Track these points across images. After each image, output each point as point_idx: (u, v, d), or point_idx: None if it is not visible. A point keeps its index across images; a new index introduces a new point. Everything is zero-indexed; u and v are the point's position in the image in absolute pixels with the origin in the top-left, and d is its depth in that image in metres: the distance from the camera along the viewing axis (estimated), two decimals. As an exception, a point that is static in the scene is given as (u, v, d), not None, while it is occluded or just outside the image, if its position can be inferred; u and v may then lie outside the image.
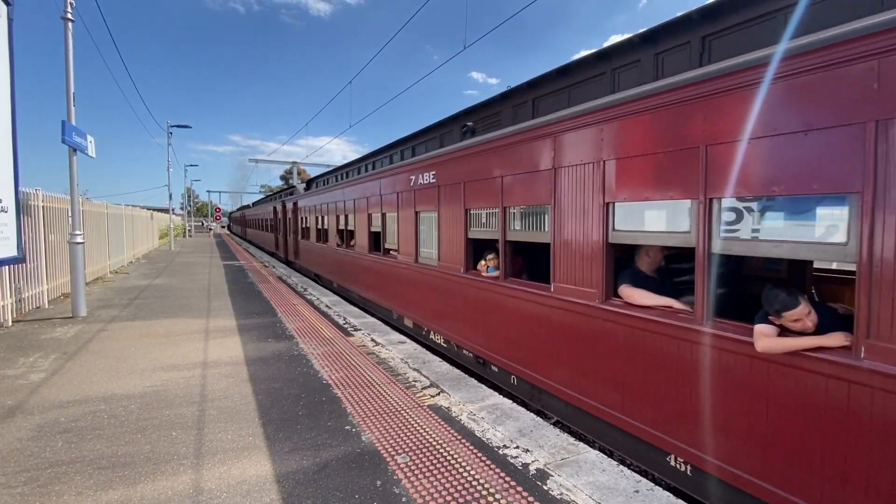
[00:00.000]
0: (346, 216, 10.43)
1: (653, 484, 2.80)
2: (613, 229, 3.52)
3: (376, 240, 8.71)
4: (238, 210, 59.83)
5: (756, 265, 4.60)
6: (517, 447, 3.27)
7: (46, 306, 8.59)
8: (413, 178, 6.65)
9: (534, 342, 4.35)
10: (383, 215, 8.10)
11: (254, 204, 43.21)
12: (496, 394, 4.31)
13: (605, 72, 5.09)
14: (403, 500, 2.64)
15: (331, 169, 15.72)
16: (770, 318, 2.56)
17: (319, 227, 13.32)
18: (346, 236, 10.67)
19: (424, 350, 5.83)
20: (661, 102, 3.05)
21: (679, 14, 4.26)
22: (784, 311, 2.49)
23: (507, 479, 2.87)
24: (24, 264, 7.49)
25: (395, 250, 7.62)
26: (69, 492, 2.71)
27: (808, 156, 2.37)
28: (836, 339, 2.34)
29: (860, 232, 2.21)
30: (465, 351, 5.65)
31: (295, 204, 17.24)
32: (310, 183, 17.97)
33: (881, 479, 2.15)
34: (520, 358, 4.58)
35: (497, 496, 2.68)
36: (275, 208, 22.44)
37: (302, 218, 16.04)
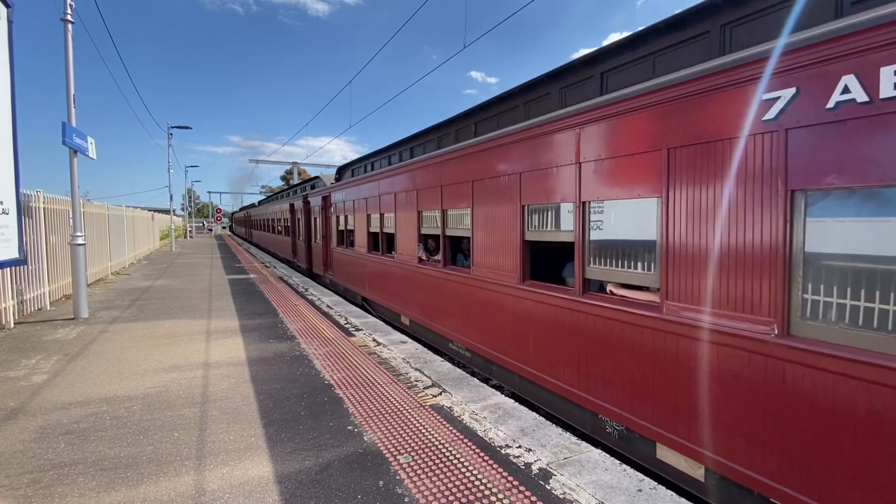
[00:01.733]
0: (444, 214, 6.13)
1: (656, 483, 2.80)
2: None
3: (543, 257, 5.03)
4: (242, 210, 55.03)
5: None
6: (519, 447, 3.26)
7: (48, 308, 8.60)
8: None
9: None
10: (583, 206, 3.87)
11: (261, 202, 37.50)
12: (498, 393, 4.30)
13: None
14: (406, 500, 2.64)
15: (374, 151, 10.81)
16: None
17: (377, 229, 8.56)
18: (449, 248, 6.31)
19: (426, 350, 5.83)
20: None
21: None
22: None
23: (510, 478, 2.86)
24: (25, 266, 7.50)
25: (653, 292, 3.42)
26: (72, 493, 2.71)
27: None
28: None
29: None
30: None
31: (326, 199, 12.49)
32: (343, 170, 12.94)
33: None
34: None
35: (500, 496, 2.68)
36: (291, 206, 17.83)
37: (339, 217, 11.30)
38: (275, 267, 16.64)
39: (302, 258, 16.11)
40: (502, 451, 3.20)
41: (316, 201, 13.75)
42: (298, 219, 16.58)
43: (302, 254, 16.11)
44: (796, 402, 2.49)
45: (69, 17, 7.65)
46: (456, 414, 3.83)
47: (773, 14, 3.21)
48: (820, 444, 2.40)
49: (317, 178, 16.36)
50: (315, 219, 13.94)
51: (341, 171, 13.20)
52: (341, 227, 11.31)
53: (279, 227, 21.90)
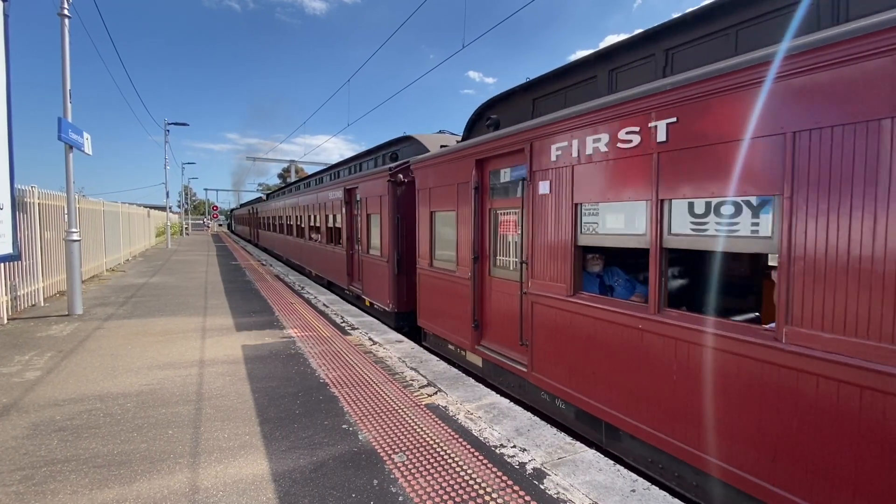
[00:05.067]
0: None
1: (649, 483, 2.81)
2: None
3: None
4: (244, 206, 46.37)
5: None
6: (514, 446, 3.27)
7: (42, 304, 8.54)
8: None
9: None
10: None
11: (270, 195, 29.52)
12: (493, 393, 4.31)
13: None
14: (400, 499, 2.64)
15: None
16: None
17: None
18: None
19: (421, 349, 5.83)
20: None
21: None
22: None
23: (504, 478, 2.87)
24: (19, 262, 7.45)
25: None
26: (64, 490, 2.70)
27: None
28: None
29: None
30: None
31: (483, 165, 5.14)
32: (497, 105, 5.79)
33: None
34: None
35: (494, 495, 2.68)
36: (348, 192, 10.00)
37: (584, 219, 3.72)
38: (271, 265, 16.57)
39: (380, 290, 8.20)
40: (497, 451, 3.20)
41: (434, 177, 6.29)
42: (368, 216, 8.87)
43: (382, 283, 8.06)
44: None
45: (66, 12, 7.60)
46: (451, 413, 3.83)
47: None
48: None
49: (407, 137, 9.39)
50: (433, 214, 6.38)
51: (494, 105, 5.92)
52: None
53: (312, 231, 13.61)
